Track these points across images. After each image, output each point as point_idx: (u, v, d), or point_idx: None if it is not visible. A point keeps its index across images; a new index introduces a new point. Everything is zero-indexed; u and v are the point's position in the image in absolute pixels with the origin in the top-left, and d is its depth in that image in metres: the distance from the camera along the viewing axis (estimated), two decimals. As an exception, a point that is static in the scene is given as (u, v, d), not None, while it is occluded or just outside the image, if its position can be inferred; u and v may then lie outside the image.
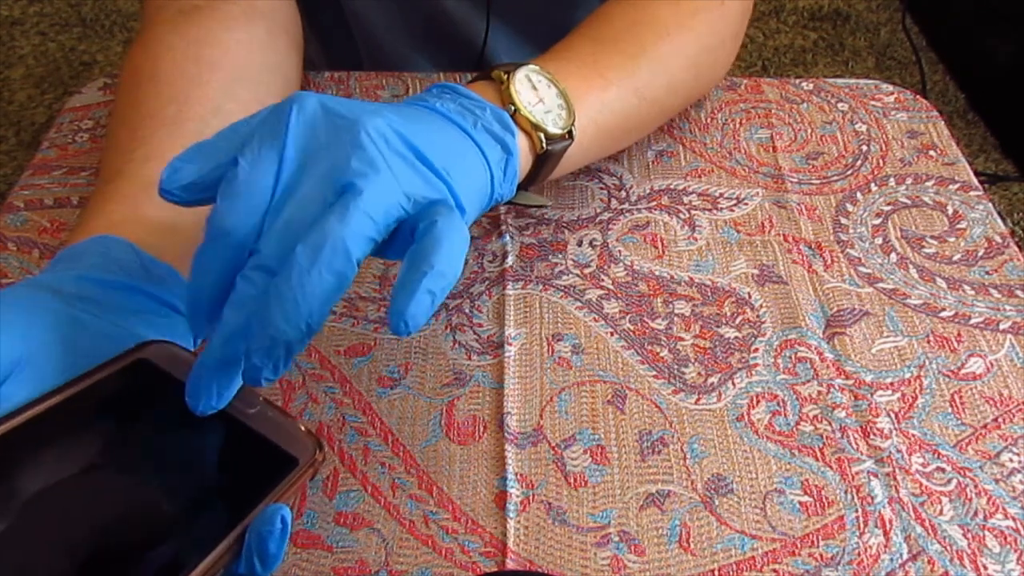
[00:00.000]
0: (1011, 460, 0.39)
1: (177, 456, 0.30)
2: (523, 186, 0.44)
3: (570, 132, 0.43)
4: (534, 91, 0.43)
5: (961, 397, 0.42)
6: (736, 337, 0.44)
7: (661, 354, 0.43)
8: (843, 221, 0.50)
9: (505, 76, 0.42)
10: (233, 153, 0.31)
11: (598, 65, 0.47)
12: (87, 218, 0.39)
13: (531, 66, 0.43)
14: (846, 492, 0.38)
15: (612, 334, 0.44)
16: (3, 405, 0.30)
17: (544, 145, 0.42)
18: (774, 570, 0.36)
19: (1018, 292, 0.46)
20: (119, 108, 0.46)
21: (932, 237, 0.49)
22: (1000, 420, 0.41)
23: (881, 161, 0.54)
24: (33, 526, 0.27)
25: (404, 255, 0.32)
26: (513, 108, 0.41)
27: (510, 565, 0.36)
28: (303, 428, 0.31)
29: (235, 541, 0.28)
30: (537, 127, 0.41)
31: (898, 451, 0.39)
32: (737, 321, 0.45)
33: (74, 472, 0.29)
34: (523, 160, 0.41)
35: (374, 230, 0.31)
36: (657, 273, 0.47)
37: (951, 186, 0.52)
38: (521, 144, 0.41)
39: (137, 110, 0.45)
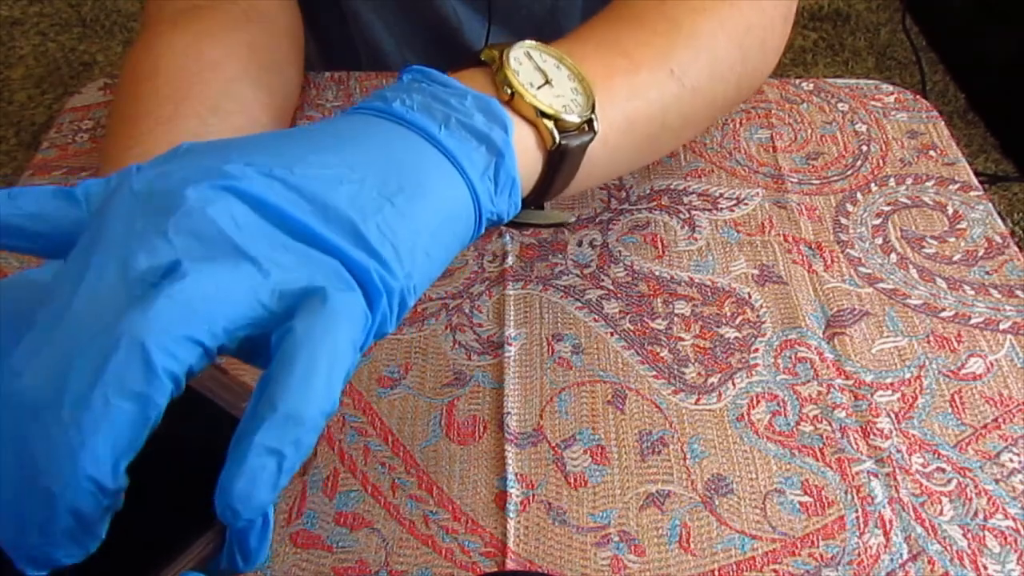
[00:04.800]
0: (1011, 460, 0.39)
1: (163, 448, 0.30)
2: (534, 199, 0.34)
3: (590, 122, 0.34)
4: (538, 71, 0.33)
5: (961, 397, 0.42)
6: (736, 337, 0.44)
7: (661, 354, 0.43)
8: (843, 221, 0.50)
9: (499, 55, 0.33)
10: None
11: (621, 44, 0.38)
12: None
13: (531, 42, 0.34)
14: (846, 492, 0.38)
15: (612, 334, 0.44)
16: None
17: (557, 139, 0.32)
18: (774, 570, 0.36)
19: (1018, 292, 0.46)
20: (118, 106, 0.46)
21: (932, 237, 0.49)
22: (1000, 420, 0.41)
23: (881, 161, 0.54)
24: None
25: None
26: (510, 92, 0.32)
27: (510, 565, 0.36)
28: None
29: (215, 536, 0.27)
30: (545, 115, 0.32)
31: (898, 451, 0.39)
32: (737, 321, 0.45)
33: None
34: (528, 161, 0.32)
35: (203, 329, 0.21)
36: (657, 273, 0.47)
37: (951, 186, 0.52)
38: (523, 140, 0.32)
39: (136, 107, 0.45)
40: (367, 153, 0.27)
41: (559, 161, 0.33)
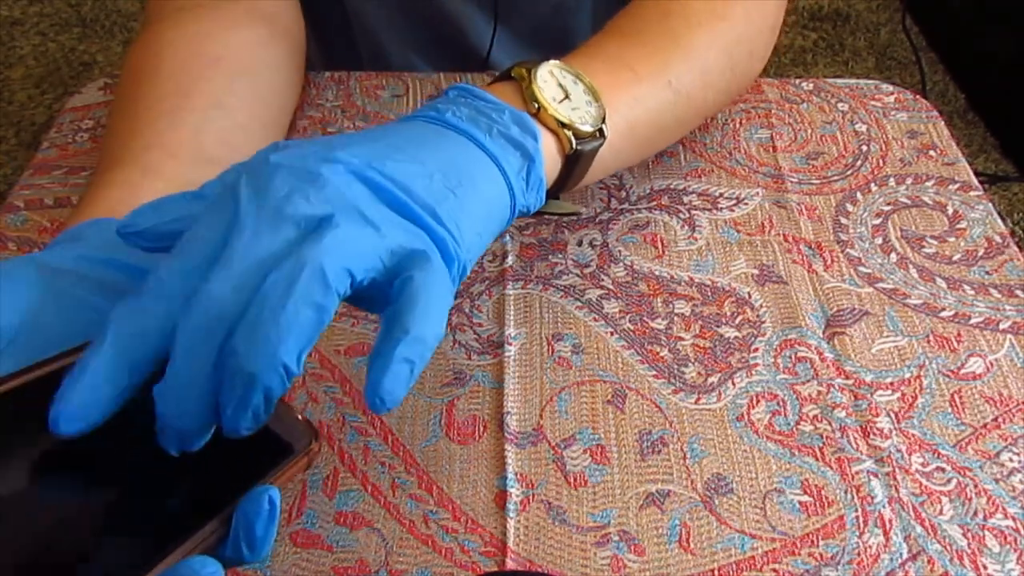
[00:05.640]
0: (1011, 460, 0.39)
1: None
2: (553, 192, 0.41)
3: (601, 130, 0.41)
4: (559, 88, 0.40)
5: (961, 397, 0.42)
6: (736, 337, 0.44)
7: (661, 354, 0.43)
8: (843, 221, 0.50)
9: (527, 73, 0.40)
10: (196, 211, 0.30)
11: (626, 59, 0.45)
12: (86, 203, 0.39)
13: (554, 62, 0.41)
14: (846, 492, 0.38)
15: (612, 334, 0.44)
16: None
17: (574, 145, 0.39)
18: (774, 570, 0.36)
19: (1018, 292, 0.46)
20: (119, 102, 0.46)
21: (932, 237, 0.49)
22: (1000, 420, 0.41)
23: (881, 161, 0.54)
24: (17, 499, 0.27)
25: (380, 312, 0.30)
26: (537, 106, 0.39)
27: (510, 565, 0.36)
28: (300, 417, 0.31)
29: (221, 524, 0.27)
30: (565, 125, 0.39)
31: (898, 451, 0.39)
32: (737, 321, 0.45)
33: (57, 448, 0.28)
34: (550, 163, 0.39)
35: (356, 262, 0.28)
36: (657, 273, 0.47)
37: (951, 186, 0.52)
38: (547, 146, 0.39)
39: (137, 103, 0.45)
40: (434, 153, 0.34)
41: (574, 162, 0.40)
